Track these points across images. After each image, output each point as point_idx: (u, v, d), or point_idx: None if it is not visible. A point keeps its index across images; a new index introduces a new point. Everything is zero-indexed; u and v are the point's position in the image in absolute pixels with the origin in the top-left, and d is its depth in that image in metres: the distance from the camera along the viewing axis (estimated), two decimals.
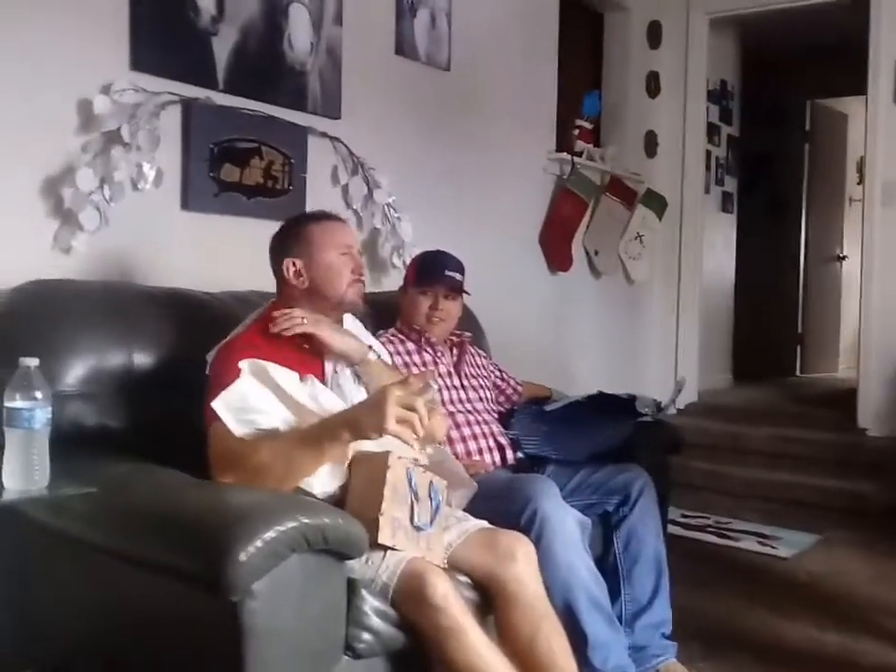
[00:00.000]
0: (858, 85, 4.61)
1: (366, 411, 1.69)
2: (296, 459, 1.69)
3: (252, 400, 1.75)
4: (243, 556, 1.39)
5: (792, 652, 2.52)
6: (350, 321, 2.09)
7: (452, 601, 1.66)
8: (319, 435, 1.70)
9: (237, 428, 1.72)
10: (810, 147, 6.64)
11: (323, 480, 1.74)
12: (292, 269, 1.95)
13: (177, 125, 2.41)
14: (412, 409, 1.65)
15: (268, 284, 2.06)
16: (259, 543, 1.41)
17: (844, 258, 6.85)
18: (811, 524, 3.78)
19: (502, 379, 2.78)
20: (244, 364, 1.77)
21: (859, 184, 5.97)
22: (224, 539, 1.41)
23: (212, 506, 1.55)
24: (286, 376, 1.81)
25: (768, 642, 2.58)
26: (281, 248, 1.99)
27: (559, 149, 4.01)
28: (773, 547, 3.53)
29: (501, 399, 2.75)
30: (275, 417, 1.77)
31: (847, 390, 4.89)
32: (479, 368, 2.66)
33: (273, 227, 2.08)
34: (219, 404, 1.72)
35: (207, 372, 1.85)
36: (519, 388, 2.81)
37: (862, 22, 4.42)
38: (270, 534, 1.42)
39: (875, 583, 3.12)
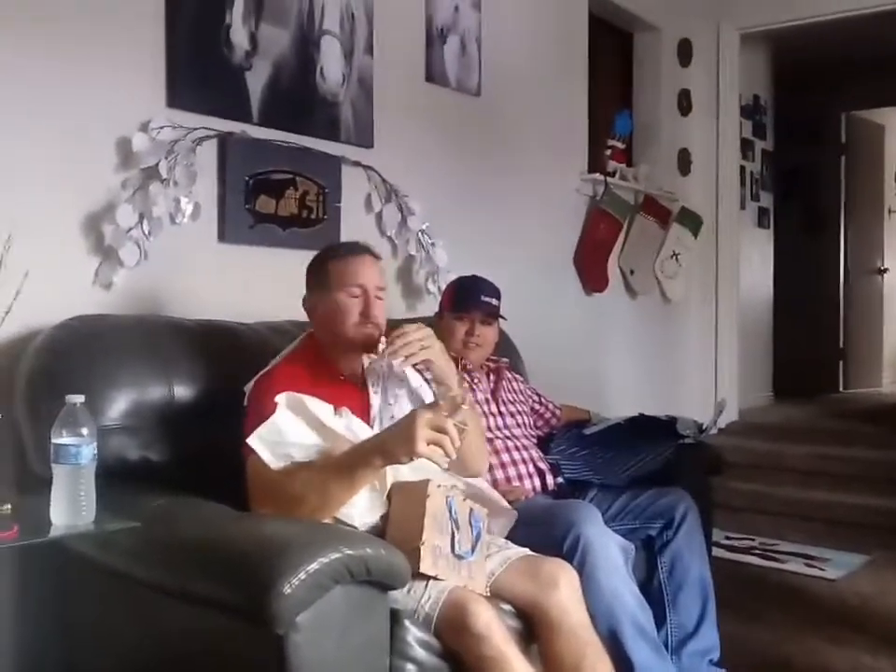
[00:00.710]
0: (891, 96, 4.56)
1: (396, 435, 1.70)
2: (330, 489, 1.70)
3: (288, 434, 1.76)
4: (287, 589, 1.39)
5: None
6: (395, 385, 2.04)
7: (495, 630, 1.65)
8: (351, 463, 1.70)
9: (273, 462, 1.73)
10: (847, 159, 6.56)
11: (362, 511, 1.74)
12: (308, 307, 1.98)
13: (213, 159, 2.44)
14: (442, 431, 1.65)
15: (304, 314, 2.07)
16: (302, 575, 1.41)
17: (885, 270, 6.76)
18: (858, 544, 3.70)
19: (540, 403, 2.76)
20: (280, 398, 1.78)
21: None
22: (268, 572, 1.41)
23: (254, 538, 1.55)
24: (321, 408, 1.82)
25: (819, 669, 2.52)
26: (306, 283, 2.01)
27: (591, 170, 4.00)
28: (820, 569, 3.46)
29: (540, 423, 2.74)
30: (312, 450, 1.77)
31: (892, 405, 4.80)
32: (516, 393, 2.65)
33: (308, 257, 2.10)
34: (255, 440, 1.73)
35: (245, 404, 1.86)
36: (557, 412, 2.79)
37: None
38: (313, 566, 1.43)
39: None
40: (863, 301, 6.69)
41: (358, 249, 1.99)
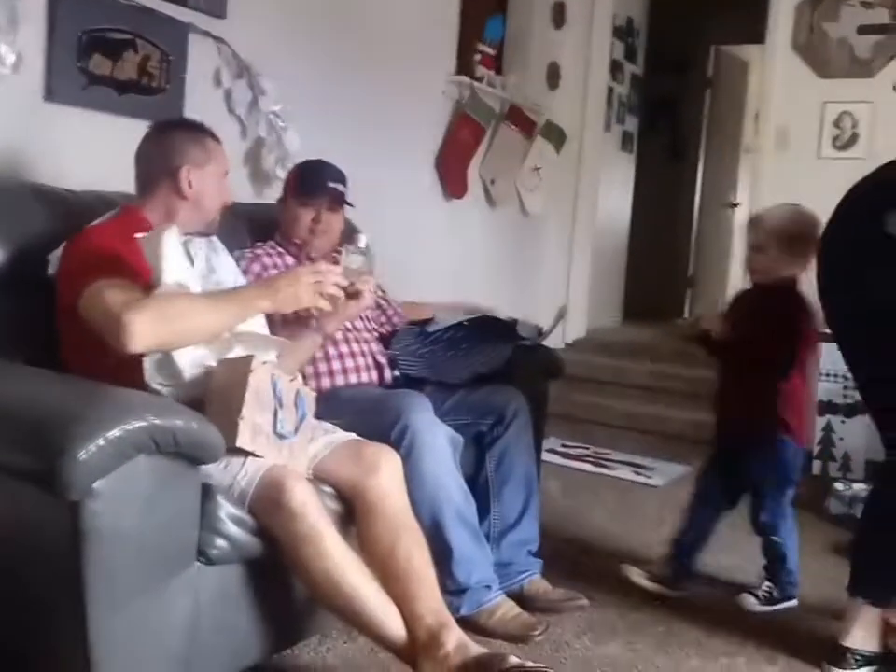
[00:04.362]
0: (760, 33, 4.66)
1: (283, 283, 1.76)
2: (219, 314, 1.72)
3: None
4: (83, 454, 1.33)
5: None
6: (207, 242, 2.02)
7: (311, 509, 1.64)
8: (242, 298, 1.77)
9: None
10: (711, 92, 6.70)
11: (192, 361, 1.70)
12: (186, 177, 1.88)
13: (41, 7, 2.23)
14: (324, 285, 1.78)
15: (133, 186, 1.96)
16: (101, 441, 1.34)
17: (737, 205, 7.02)
18: (683, 455, 3.90)
19: (384, 300, 2.73)
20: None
21: (756, 134, 6.11)
22: (63, 436, 1.34)
23: (56, 401, 1.47)
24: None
25: (634, 561, 2.65)
26: (179, 153, 1.89)
27: (459, 73, 3.92)
28: (647, 476, 3.64)
29: (383, 319, 2.71)
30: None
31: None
32: None
33: (146, 127, 1.98)
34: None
35: (51, 271, 1.77)
36: (399, 310, 2.77)
37: None
38: (114, 432, 1.36)
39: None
40: (714, 232, 6.94)
41: (217, 137, 2.00)
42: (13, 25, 2.11)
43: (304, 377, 2.13)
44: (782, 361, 2.28)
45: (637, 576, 2.42)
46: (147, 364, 1.68)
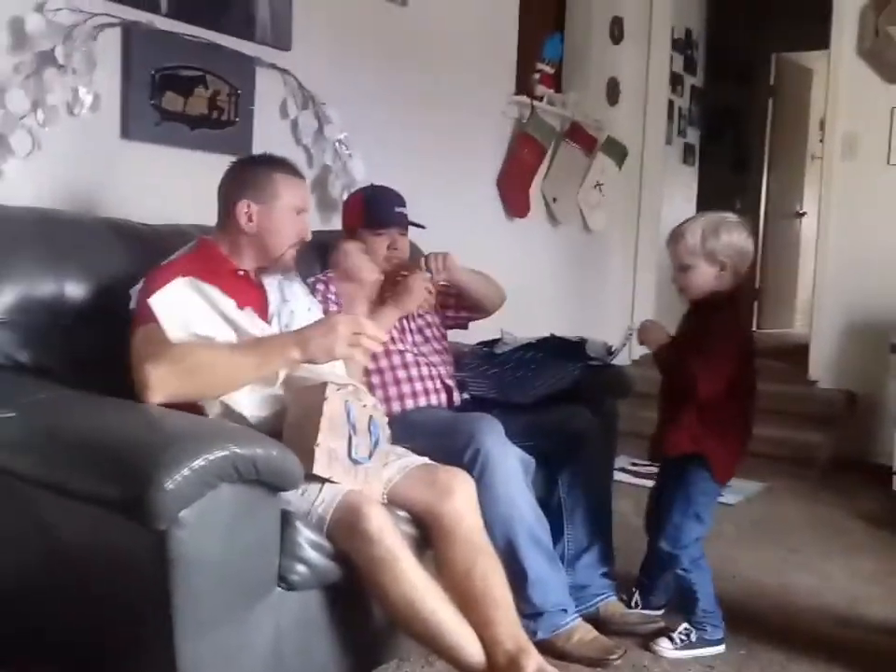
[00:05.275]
0: (823, 39, 4.56)
1: (318, 333, 1.72)
2: (239, 365, 1.69)
3: (191, 310, 1.72)
4: (169, 484, 1.36)
5: (739, 592, 2.55)
6: (288, 281, 2.06)
7: (388, 533, 1.65)
8: (267, 348, 1.73)
9: (174, 331, 1.67)
10: (774, 101, 6.61)
11: (253, 404, 1.71)
12: (245, 211, 1.90)
13: (116, 49, 2.31)
14: (361, 333, 1.71)
15: (211, 219, 2.01)
16: (186, 472, 1.38)
17: (803, 214, 6.88)
18: (758, 472, 3.81)
19: (448, 294, 2.62)
20: (181, 280, 1.73)
21: (821, 141, 5.99)
22: (150, 467, 1.38)
23: (140, 432, 1.52)
24: (224, 300, 1.78)
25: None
26: (240, 187, 1.92)
27: (518, 93, 3.94)
28: (720, 494, 3.56)
29: (451, 301, 2.63)
30: (214, 330, 1.74)
31: (800, 345, 4.93)
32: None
33: (217, 160, 2.05)
34: (158, 303, 1.67)
35: (132, 306, 1.81)
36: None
37: None
38: (199, 462, 1.39)
39: (812, 529, 3.19)
40: (781, 243, 6.81)
41: (299, 173, 2.00)
42: (90, 68, 2.19)
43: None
44: (699, 384, 2.08)
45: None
46: (211, 415, 1.71)
